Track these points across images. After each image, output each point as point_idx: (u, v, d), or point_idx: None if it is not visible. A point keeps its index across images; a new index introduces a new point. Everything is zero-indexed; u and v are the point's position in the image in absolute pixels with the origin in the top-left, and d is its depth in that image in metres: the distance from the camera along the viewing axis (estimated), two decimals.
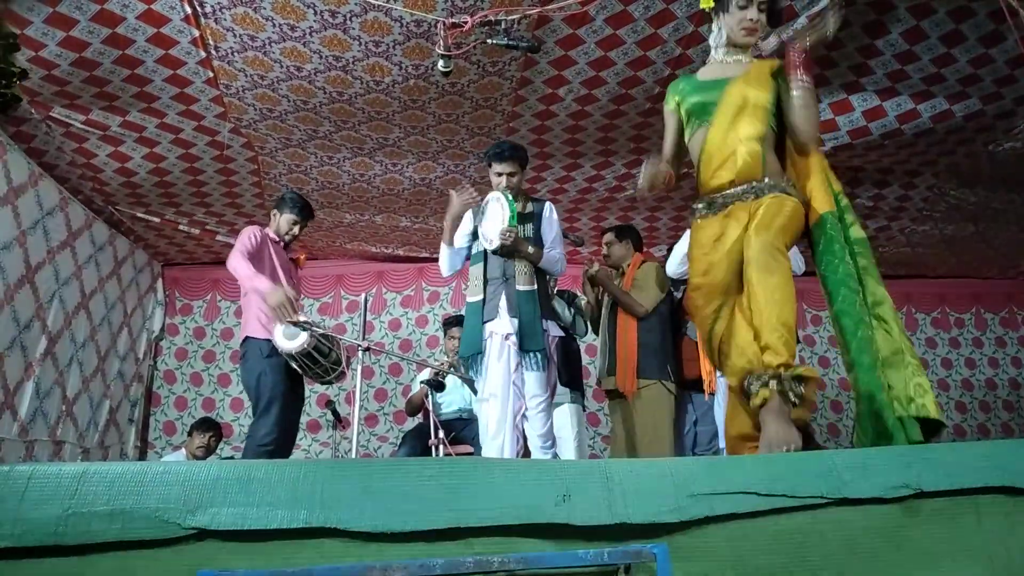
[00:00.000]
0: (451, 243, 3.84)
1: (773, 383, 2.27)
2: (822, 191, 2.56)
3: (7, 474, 1.47)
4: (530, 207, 3.79)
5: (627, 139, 4.91)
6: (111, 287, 5.80)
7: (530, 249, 3.64)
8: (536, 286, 3.63)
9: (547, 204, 3.87)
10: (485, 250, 3.71)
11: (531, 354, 3.55)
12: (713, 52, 2.72)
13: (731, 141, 2.53)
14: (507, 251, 3.61)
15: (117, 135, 4.61)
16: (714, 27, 2.71)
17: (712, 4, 2.61)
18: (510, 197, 3.61)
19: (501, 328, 3.58)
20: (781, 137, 2.66)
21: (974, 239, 6.47)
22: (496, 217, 3.61)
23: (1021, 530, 1.73)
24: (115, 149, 4.77)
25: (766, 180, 2.50)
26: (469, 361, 3.67)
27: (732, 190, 2.52)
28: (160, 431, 6.40)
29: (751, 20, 2.54)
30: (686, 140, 2.72)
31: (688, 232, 3.97)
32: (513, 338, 3.54)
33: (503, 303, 3.60)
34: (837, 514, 1.67)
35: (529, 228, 3.73)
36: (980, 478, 1.75)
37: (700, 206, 2.62)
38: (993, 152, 5.05)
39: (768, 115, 2.55)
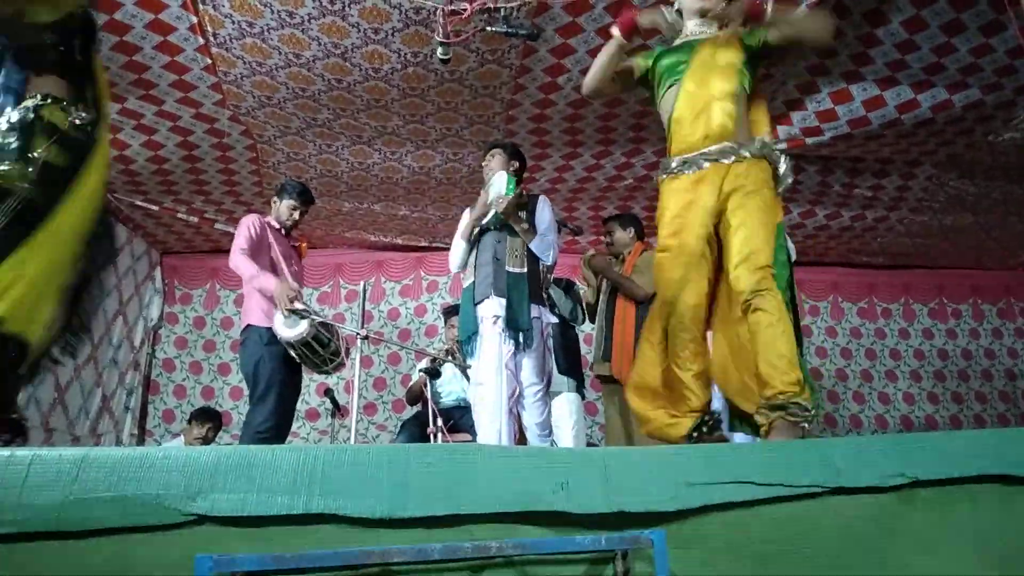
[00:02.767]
0: (468, 239, 3.84)
1: (778, 412, 2.30)
2: (785, 158, 2.56)
3: (8, 459, 1.48)
4: (524, 199, 3.82)
5: (626, 128, 4.90)
6: (107, 275, 5.79)
7: (524, 226, 3.70)
8: (526, 269, 3.68)
9: (542, 197, 3.95)
10: (478, 235, 3.77)
11: (519, 333, 3.57)
12: (685, 26, 2.74)
13: (704, 98, 2.52)
14: (502, 223, 3.68)
15: (115, 122, 4.59)
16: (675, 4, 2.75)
17: None
18: (511, 175, 3.73)
19: (490, 310, 3.62)
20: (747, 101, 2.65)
21: (973, 230, 6.48)
22: (495, 190, 3.72)
23: (1016, 518, 1.74)
24: (113, 136, 4.75)
25: (741, 141, 2.48)
26: (467, 345, 3.70)
27: (707, 148, 2.48)
28: (159, 419, 6.41)
29: None
30: (657, 102, 2.70)
31: None
32: (501, 321, 3.57)
33: (492, 284, 3.64)
34: (833, 502, 1.68)
35: (524, 215, 3.77)
36: (975, 466, 1.76)
37: (673, 164, 2.55)
38: (993, 142, 5.04)
39: (739, 75, 2.54)
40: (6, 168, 2.05)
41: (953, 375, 7.35)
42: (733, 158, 2.44)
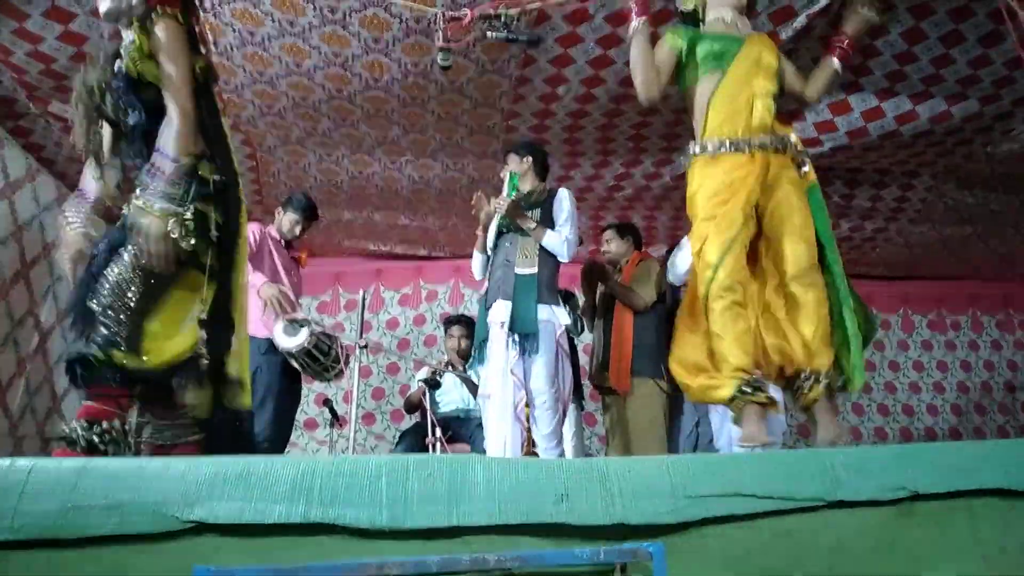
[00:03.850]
0: (484, 251, 3.84)
1: (824, 382, 2.50)
2: (809, 161, 2.74)
3: (7, 468, 1.47)
4: (542, 196, 3.78)
5: (626, 138, 4.91)
6: None
7: (531, 224, 3.63)
8: (537, 269, 3.59)
9: (562, 189, 3.86)
10: (495, 240, 3.74)
11: (522, 338, 3.48)
12: (708, 13, 2.81)
13: (748, 92, 2.63)
14: (508, 225, 3.65)
15: None
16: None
17: None
18: (513, 175, 3.71)
19: (497, 315, 3.57)
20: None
21: (972, 241, 6.47)
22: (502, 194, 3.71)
23: (1015, 531, 1.73)
24: None
25: (780, 135, 2.64)
26: (478, 351, 3.68)
27: (750, 137, 2.60)
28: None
29: None
30: (693, 85, 2.74)
31: (685, 241, 4.01)
32: (507, 325, 3.51)
33: (500, 288, 3.59)
34: (832, 516, 1.68)
35: (537, 213, 3.71)
36: (975, 480, 1.75)
37: (712, 146, 2.62)
38: (991, 154, 5.05)
39: (777, 78, 2.71)
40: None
41: (952, 387, 7.33)
42: (774, 151, 2.60)
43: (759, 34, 2.79)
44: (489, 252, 3.85)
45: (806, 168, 2.68)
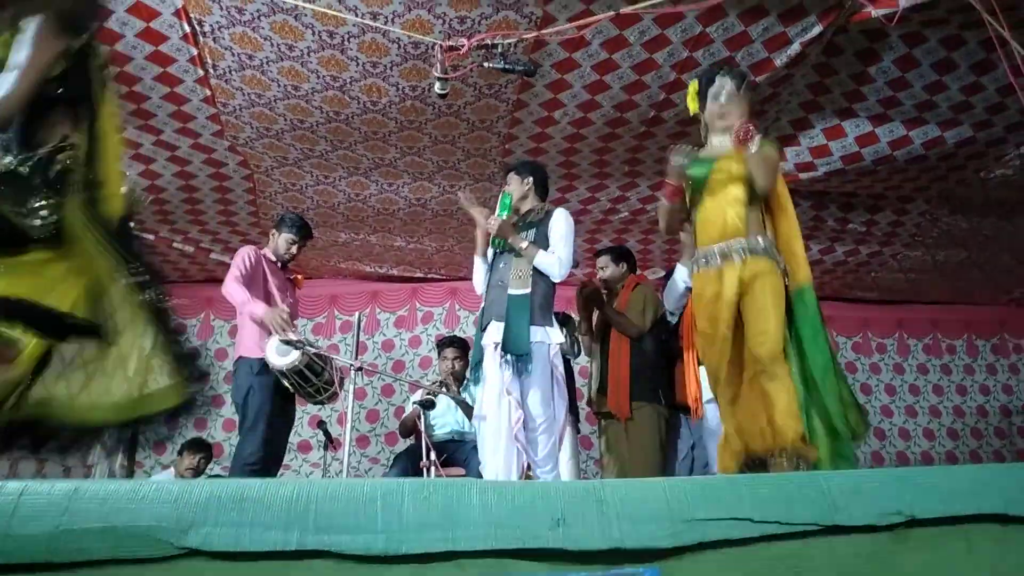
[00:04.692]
0: (484, 255, 3.80)
1: (785, 456, 2.81)
2: (803, 259, 3.05)
3: (3, 489, 1.46)
4: (539, 216, 3.75)
5: (622, 162, 4.94)
6: None
7: (523, 244, 3.59)
8: (530, 289, 3.54)
9: (559, 209, 3.81)
10: (491, 260, 3.73)
11: (514, 358, 3.44)
12: (706, 139, 3.19)
13: (721, 205, 3.00)
14: (502, 245, 3.64)
15: None
16: (703, 122, 3.19)
17: (697, 107, 3.17)
18: (506, 194, 3.71)
19: (492, 337, 3.53)
20: (764, 202, 3.09)
21: (966, 265, 6.51)
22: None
23: (1012, 557, 1.72)
24: None
25: (749, 238, 2.94)
26: (472, 373, 3.65)
27: (721, 244, 2.96)
28: (149, 450, 6.34)
29: (719, 107, 3.08)
30: (692, 205, 3.16)
31: (679, 266, 4.06)
32: (500, 347, 3.47)
33: (495, 310, 3.56)
34: (828, 541, 1.67)
35: (532, 233, 3.68)
36: (972, 505, 1.74)
37: (699, 258, 3.05)
38: (984, 179, 5.09)
39: (744, 183, 2.99)
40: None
41: (948, 411, 7.33)
42: (747, 256, 2.91)
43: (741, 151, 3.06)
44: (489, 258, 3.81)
45: (781, 263, 2.98)
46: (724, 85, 3.08)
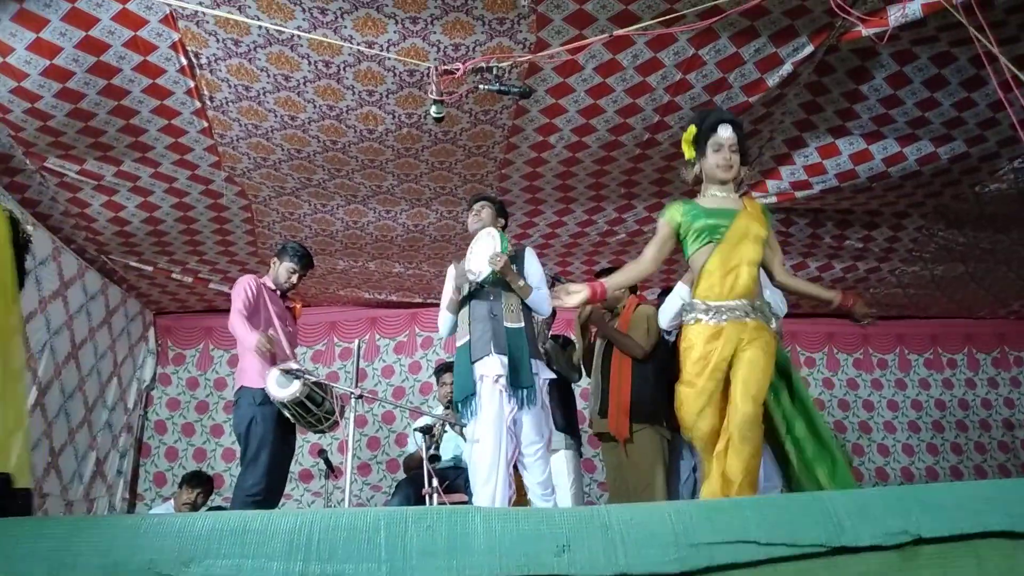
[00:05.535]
0: (454, 311, 3.82)
1: None
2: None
3: (1, 527, 1.45)
4: (511, 251, 3.75)
5: (617, 184, 4.96)
6: (102, 336, 5.76)
7: (521, 282, 3.66)
8: (524, 324, 3.64)
9: (527, 248, 3.92)
10: (469, 292, 3.71)
11: (522, 391, 3.51)
12: (705, 188, 3.08)
13: (735, 260, 2.92)
14: (497, 280, 3.61)
15: (111, 185, 4.63)
16: (695, 169, 3.09)
17: (693, 154, 3.07)
18: (501, 232, 3.68)
19: (491, 369, 3.54)
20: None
21: (964, 279, 6.52)
22: (486, 248, 3.63)
23: (1021, 574, 1.71)
24: (109, 199, 4.79)
25: (756, 301, 2.92)
26: (464, 406, 3.63)
27: (728, 302, 2.89)
28: (150, 482, 6.31)
29: (725, 159, 2.98)
30: (688, 254, 3.05)
31: (679, 286, 4.06)
32: (503, 379, 3.50)
33: (491, 341, 3.57)
34: (836, 562, 1.65)
35: (516, 270, 3.72)
36: (979, 522, 1.73)
37: (700, 309, 2.95)
38: (979, 193, 5.11)
39: (763, 245, 2.99)
40: None
41: (951, 425, 7.30)
42: (749, 318, 2.88)
43: (751, 203, 3.06)
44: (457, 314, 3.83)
45: (774, 325, 2.98)
46: (728, 136, 2.98)
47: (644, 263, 3.09)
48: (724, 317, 2.89)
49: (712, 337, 2.89)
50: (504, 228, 3.90)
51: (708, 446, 2.92)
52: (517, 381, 3.50)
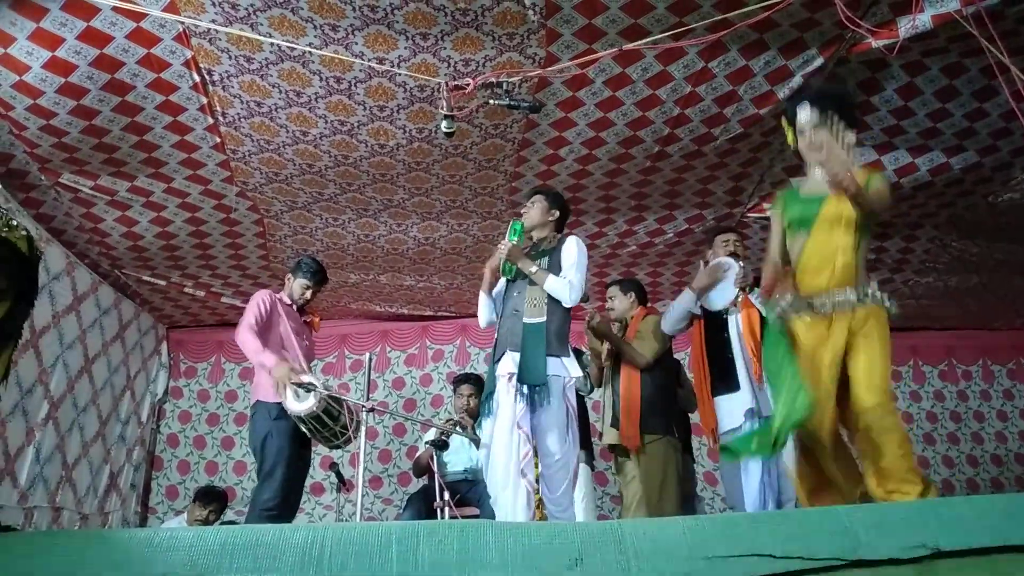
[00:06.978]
0: (488, 291, 3.74)
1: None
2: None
3: (14, 540, 1.45)
4: (552, 244, 3.71)
5: (628, 196, 4.96)
6: (115, 350, 5.80)
7: (532, 268, 3.54)
8: (546, 318, 3.47)
9: (571, 236, 3.75)
10: (504, 290, 3.69)
11: (529, 389, 3.35)
12: (808, 170, 3.00)
13: (829, 249, 2.82)
14: (518, 273, 3.58)
15: (125, 200, 4.67)
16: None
17: (793, 139, 2.98)
18: (518, 220, 3.66)
19: (505, 368, 3.46)
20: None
21: (979, 290, 6.47)
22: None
23: None
24: (122, 214, 4.83)
25: (859, 288, 2.78)
26: (484, 405, 3.58)
27: (829, 293, 2.79)
28: (162, 495, 6.32)
29: (808, 143, 2.87)
30: (790, 243, 2.96)
31: (687, 291, 4.03)
32: (515, 378, 3.38)
33: (509, 340, 3.50)
34: (852, 575, 1.64)
35: (544, 261, 3.63)
36: (998, 536, 1.71)
37: (802, 304, 2.85)
38: (993, 203, 5.08)
39: (856, 227, 2.82)
40: None
41: (967, 437, 7.23)
42: (856, 306, 2.75)
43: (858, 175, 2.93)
44: (495, 298, 3.77)
45: (890, 306, 2.81)
46: (805, 116, 2.87)
47: (768, 261, 3.03)
48: (830, 310, 2.78)
49: (820, 327, 2.79)
50: (559, 220, 3.78)
51: (830, 447, 2.78)
52: (524, 379, 3.35)
